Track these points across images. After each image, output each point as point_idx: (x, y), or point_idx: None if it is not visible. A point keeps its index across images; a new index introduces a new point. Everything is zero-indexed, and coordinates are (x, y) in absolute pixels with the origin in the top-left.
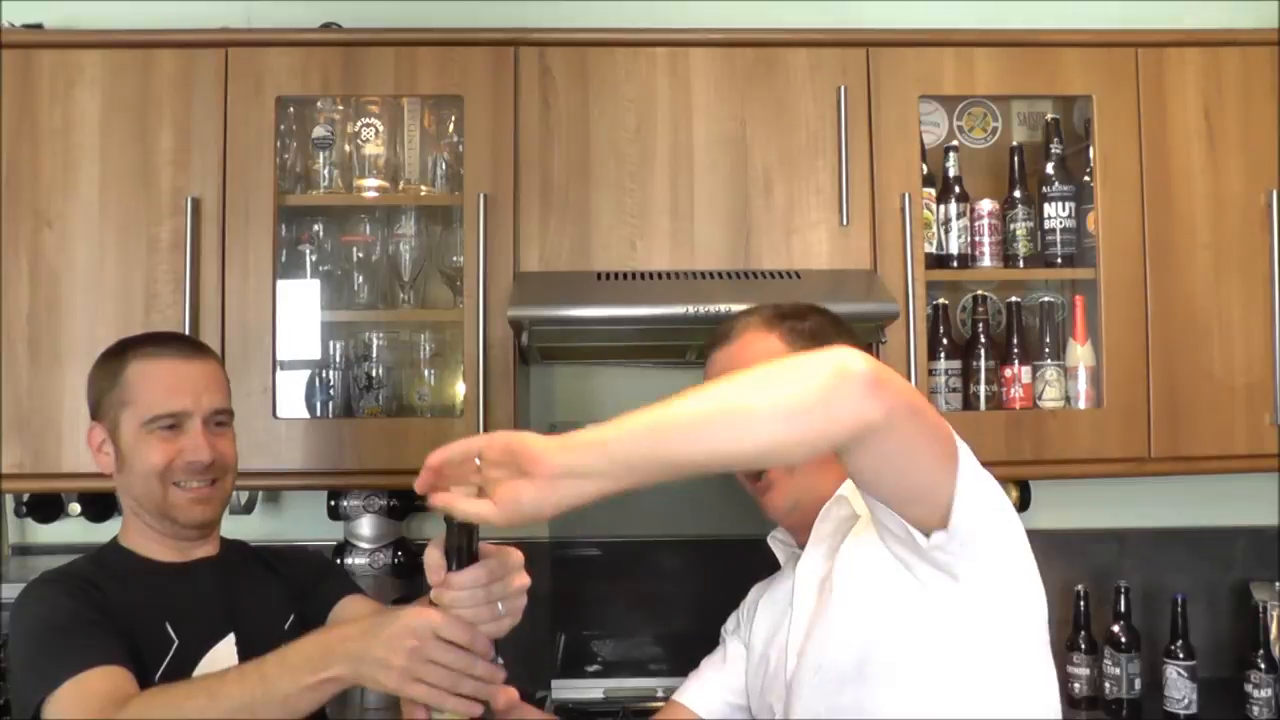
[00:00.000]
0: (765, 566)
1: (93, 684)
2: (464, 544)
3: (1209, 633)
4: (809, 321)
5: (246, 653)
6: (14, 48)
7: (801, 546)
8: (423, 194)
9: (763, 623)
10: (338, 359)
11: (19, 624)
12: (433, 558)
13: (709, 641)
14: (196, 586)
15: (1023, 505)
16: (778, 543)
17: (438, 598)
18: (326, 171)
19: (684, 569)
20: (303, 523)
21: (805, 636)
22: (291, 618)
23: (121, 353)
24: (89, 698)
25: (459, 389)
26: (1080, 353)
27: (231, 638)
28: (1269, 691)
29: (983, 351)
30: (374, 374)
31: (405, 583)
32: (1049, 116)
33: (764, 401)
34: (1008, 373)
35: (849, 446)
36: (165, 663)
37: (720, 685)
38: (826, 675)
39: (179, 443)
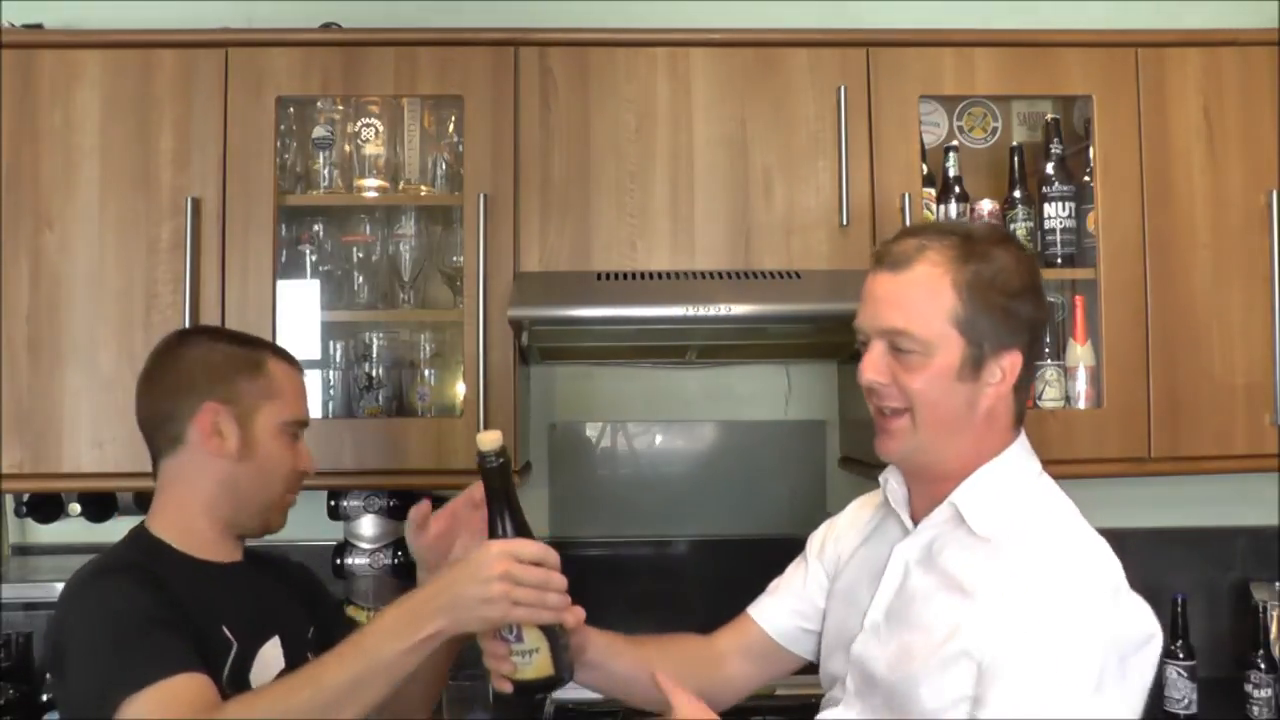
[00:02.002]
0: (766, 566)
1: (179, 690)
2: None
3: (1209, 633)
4: (992, 266)
5: (291, 652)
6: (14, 48)
7: (912, 514)
8: (423, 194)
9: (853, 568)
10: (338, 359)
11: (86, 614)
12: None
13: None
14: (240, 588)
15: None
16: (891, 488)
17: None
18: (326, 171)
19: (686, 569)
20: (303, 523)
21: (884, 619)
22: (313, 622)
23: (253, 346)
24: (176, 704)
25: (459, 389)
26: (1080, 353)
27: (277, 639)
28: (1269, 691)
29: None
30: (374, 374)
31: (406, 583)
32: (1049, 116)
33: None
34: None
35: None
36: (228, 665)
37: (795, 611)
38: (871, 673)
39: (298, 450)
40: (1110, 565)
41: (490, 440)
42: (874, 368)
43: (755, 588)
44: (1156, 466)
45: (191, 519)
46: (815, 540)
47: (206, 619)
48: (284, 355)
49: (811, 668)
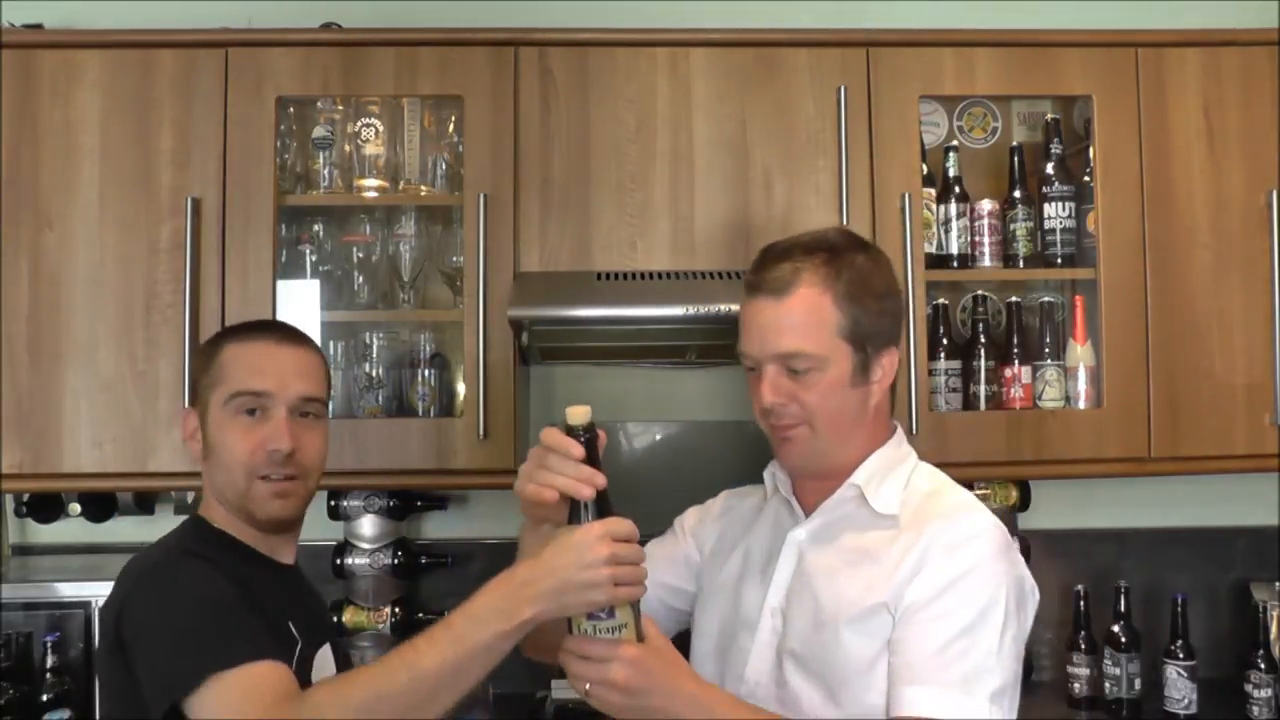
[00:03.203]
0: None
1: (266, 675)
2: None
3: (1209, 633)
4: (860, 274)
5: (339, 660)
6: (14, 48)
7: (796, 494)
8: (423, 194)
9: (737, 559)
10: (338, 359)
11: (165, 594)
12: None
13: None
14: (300, 589)
15: (1023, 505)
16: (774, 479)
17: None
18: (326, 171)
19: None
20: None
21: (785, 601)
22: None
23: (220, 338)
24: (262, 689)
25: (459, 389)
26: (1080, 353)
27: (329, 646)
28: (1269, 691)
29: (983, 351)
30: (374, 374)
31: (405, 583)
32: (1049, 116)
33: None
34: (1008, 373)
35: None
36: (294, 663)
37: (660, 584)
38: (790, 650)
39: (261, 431)
40: (1001, 527)
41: (580, 414)
42: (774, 391)
43: None
44: (1156, 466)
45: (225, 515)
46: (688, 518)
47: (276, 612)
48: (247, 334)
49: None
